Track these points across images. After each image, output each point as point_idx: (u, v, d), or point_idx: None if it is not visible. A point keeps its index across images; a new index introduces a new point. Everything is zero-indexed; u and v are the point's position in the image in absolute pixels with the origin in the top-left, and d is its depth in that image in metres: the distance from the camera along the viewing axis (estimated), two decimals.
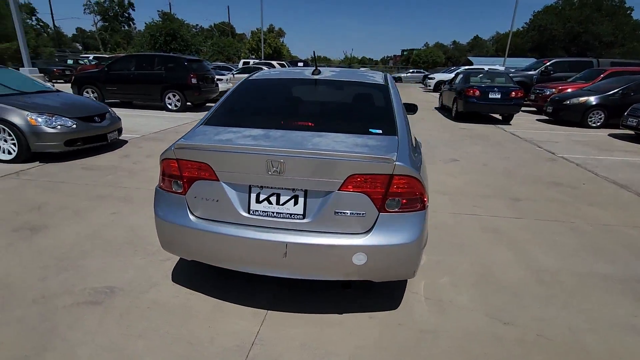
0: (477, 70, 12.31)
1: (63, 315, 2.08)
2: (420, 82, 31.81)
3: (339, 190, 1.80)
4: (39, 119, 4.86)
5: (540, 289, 2.48)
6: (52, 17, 57.52)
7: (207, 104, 12.17)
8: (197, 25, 78.28)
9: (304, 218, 1.86)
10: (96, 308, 2.15)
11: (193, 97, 10.27)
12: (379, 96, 2.48)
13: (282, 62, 22.82)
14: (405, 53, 62.86)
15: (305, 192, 1.85)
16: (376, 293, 2.37)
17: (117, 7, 49.86)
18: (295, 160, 1.78)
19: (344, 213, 1.83)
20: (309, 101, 2.58)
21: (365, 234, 1.84)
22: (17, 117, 4.77)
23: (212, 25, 69.12)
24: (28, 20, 50.15)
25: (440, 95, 13.62)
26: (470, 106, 9.90)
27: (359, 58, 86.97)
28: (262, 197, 1.88)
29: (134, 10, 52.16)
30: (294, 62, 30.94)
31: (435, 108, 13.77)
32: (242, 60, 24.99)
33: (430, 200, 3.94)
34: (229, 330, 2.01)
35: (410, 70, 39.64)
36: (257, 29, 50.82)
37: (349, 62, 46.08)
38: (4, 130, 4.78)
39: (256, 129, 2.12)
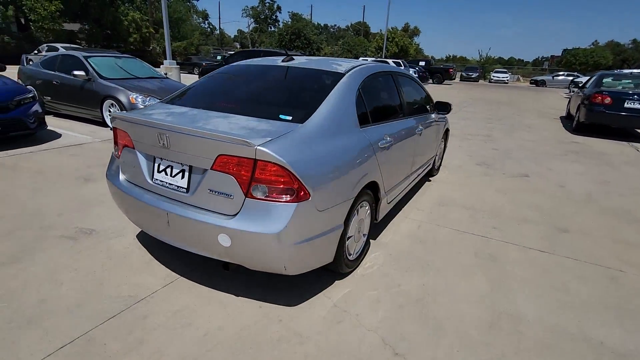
0: (619, 73, 9.69)
1: (47, 241, 2.68)
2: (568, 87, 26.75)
3: (211, 169, 1.84)
4: (138, 98, 6.08)
5: (480, 332, 1.98)
6: (219, 21, 68.81)
7: None
8: (334, 25, 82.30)
9: (187, 192, 1.96)
10: (69, 242, 2.69)
11: None
12: (324, 85, 2.33)
13: (398, 61, 22.30)
14: (564, 53, 53.26)
15: (191, 167, 1.94)
16: (288, 286, 2.29)
17: (267, 11, 56.47)
18: (177, 136, 1.89)
19: (215, 192, 1.85)
20: (255, 86, 2.60)
21: (232, 216, 1.83)
22: (123, 96, 6.08)
23: (349, 25, 71.88)
24: (202, 24, 61.29)
25: (569, 102, 11.26)
26: (595, 116, 7.93)
27: (505, 59, 77.86)
28: (161, 167, 2.06)
29: (280, 12, 58.20)
30: (415, 60, 29.86)
31: (560, 117, 11.50)
32: (361, 59, 25.42)
33: (446, 213, 3.51)
34: (136, 283, 2.26)
35: (560, 73, 33.56)
36: (391, 27, 50.69)
37: (483, 63, 41.75)
38: (116, 105, 6.16)
39: (186, 107, 2.31)
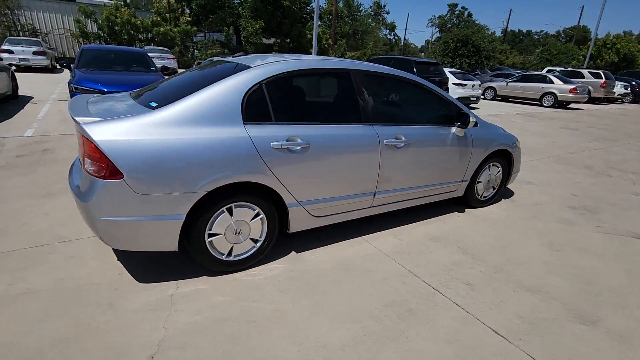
0: None
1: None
2: None
3: (79, 141, 2.16)
4: None
5: None
6: (405, 31, 69.98)
7: None
8: (540, 31, 71.28)
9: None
10: None
11: None
12: (217, 77, 2.28)
13: (598, 72, 17.42)
14: None
15: None
16: (165, 264, 2.40)
17: (455, 19, 53.88)
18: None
19: (80, 160, 2.17)
20: (184, 77, 2.71)
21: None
22: None
23: (560, 30, 60.96)
24: (388, 36, 64.00)
25: None
26: None
27: None
28: None
29: (470, 19, 54.37)
30: (634, 73, 22.60)
31: None
32: (547, 69, 21.11)
33: (425, 250, 3.15)
34: (79, 229, 2.82)
35: None
36: (623, 32, 40.03)
37: None
38: None
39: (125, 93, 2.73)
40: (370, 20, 52.73)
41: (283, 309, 2.08)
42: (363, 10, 51.19)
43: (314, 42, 13.11)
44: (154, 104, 2.18)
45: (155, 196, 1.98)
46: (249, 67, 2.37)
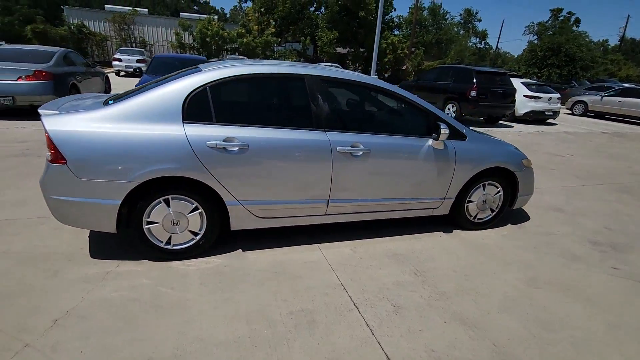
0: None
1: None
2: None
3: None
4: None
5: None
6: (498, 39, 65.01)
7: (502, 121, 10.90)
8: None
9: None
10: None
11: (468, 109, 9.74)
12: (177, 79, 2.49)
13: None
14: None
15: None
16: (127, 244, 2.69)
17: (557, 25, 48.37)
18: None
19: None
20: (156, 83, 2.95)
21: None
22: None
23: None
24: (478, 45, 60.12)
25: None
26: None
27: None
28: None
29: (577, 26, 48.27)
30: None
31: None
32: None
33: (375, 266, 3.27)
34: None
35: None
36: None
37: None
38: None
39: None
40: (457, 28, 50.11)
41: (192, 300, 2.18)
42: (449, 19, 48.93)
43: (374, 52, 13.16)
44: (111, 102, 2.47)
45: (94, 181, 2.25)
46: (199, 70, 2.54)
